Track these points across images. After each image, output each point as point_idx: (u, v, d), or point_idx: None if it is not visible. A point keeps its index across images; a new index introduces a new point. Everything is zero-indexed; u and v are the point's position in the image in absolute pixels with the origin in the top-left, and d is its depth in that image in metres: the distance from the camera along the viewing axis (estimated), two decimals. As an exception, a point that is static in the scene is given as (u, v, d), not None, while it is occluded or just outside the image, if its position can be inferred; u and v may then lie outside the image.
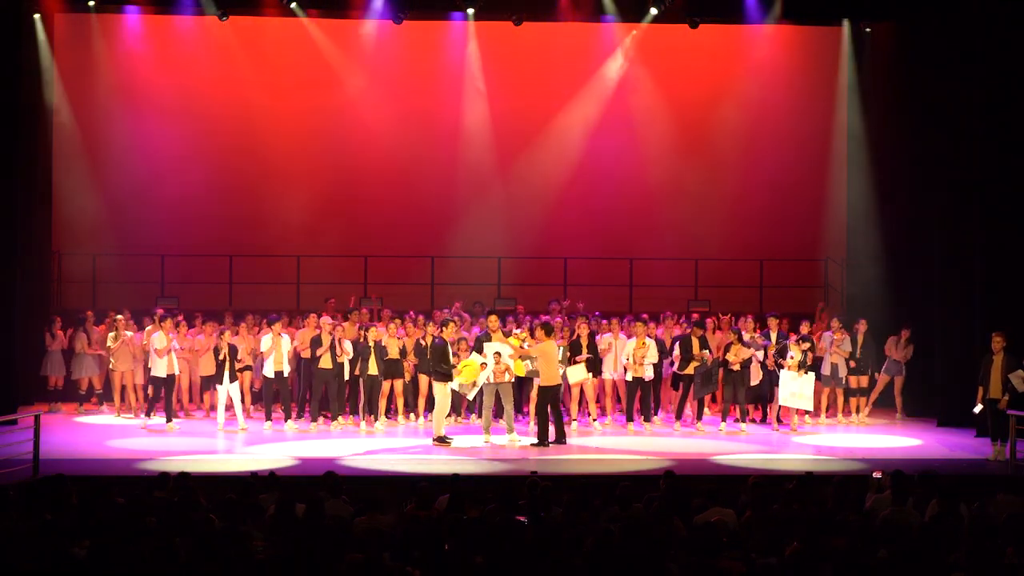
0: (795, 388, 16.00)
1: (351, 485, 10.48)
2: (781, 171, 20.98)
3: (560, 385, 15.30)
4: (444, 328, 15.51)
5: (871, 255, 19.64)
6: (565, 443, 14.92)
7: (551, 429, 14.94)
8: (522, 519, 8.65)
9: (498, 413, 15.49)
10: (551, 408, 14.97)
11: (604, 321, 17.11)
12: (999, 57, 16.30)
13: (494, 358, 15.07)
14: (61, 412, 17.46)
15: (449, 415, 16.31)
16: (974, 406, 14.85)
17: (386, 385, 16.27)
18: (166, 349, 15.95)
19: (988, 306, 16.20)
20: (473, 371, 14.97)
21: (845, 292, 20.50)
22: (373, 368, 16.03)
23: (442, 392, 15.07)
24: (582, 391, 16.69)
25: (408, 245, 20.38)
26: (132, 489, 10.31)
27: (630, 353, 16.26)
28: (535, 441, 14.91)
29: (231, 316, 17.76)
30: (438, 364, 15.10)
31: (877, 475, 10.41)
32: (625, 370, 16.37)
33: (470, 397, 15.55)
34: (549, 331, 15.14)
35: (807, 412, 16.70)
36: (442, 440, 14.84)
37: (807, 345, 16.14)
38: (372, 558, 7.36)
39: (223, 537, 7.82)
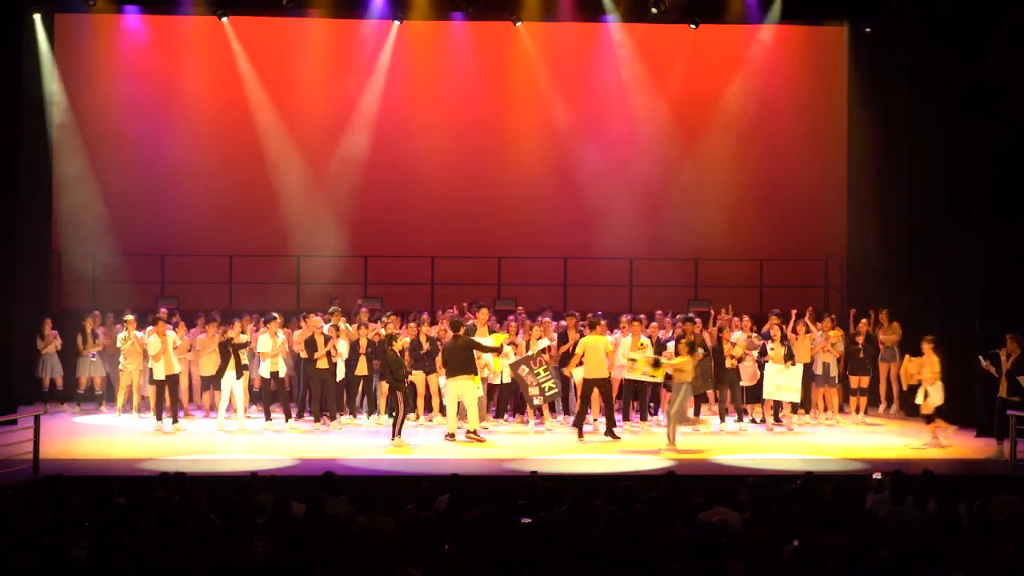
0: (780, 381, 16.06)
1: (351, 485, 10.47)
2: (781, 171, 20.99)
3: (606, 379, 15.56)
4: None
5: (871, 255, 19.66)
6: (617, 438, 15.26)
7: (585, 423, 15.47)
8: (528, 520, 8.64)
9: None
10: (604, 402, 15.59)
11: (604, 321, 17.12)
12: (999, 56, 16.30)
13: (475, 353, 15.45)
14: (61, 412, 17.47)
15: (428, 412, 16.42)
16: (977, 398, 15.26)
17: (383, 385, 16.27)
18: (161, 351, 15.94)
19: (988, 306, 16.20)
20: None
21: (845, 292, 20.50)
22: (363, 368, 16.37)
23: (469, 389, 15.19)
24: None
25: (408, 245, 20.39)
26: (132, 489, 10.30)
27: (626, 352, 16.29)
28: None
29: (219, 316, 17.76)
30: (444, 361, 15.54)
31: (877, 476, 10.40)
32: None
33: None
34: (594, 326, 15.59)
35: (800, 409, 16.75)
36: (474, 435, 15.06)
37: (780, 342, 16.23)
38: (372, 558, 7.36)
39: (223, 537, 7.83)
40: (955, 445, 15.13)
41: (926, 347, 15.20)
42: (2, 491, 9.58)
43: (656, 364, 15.24)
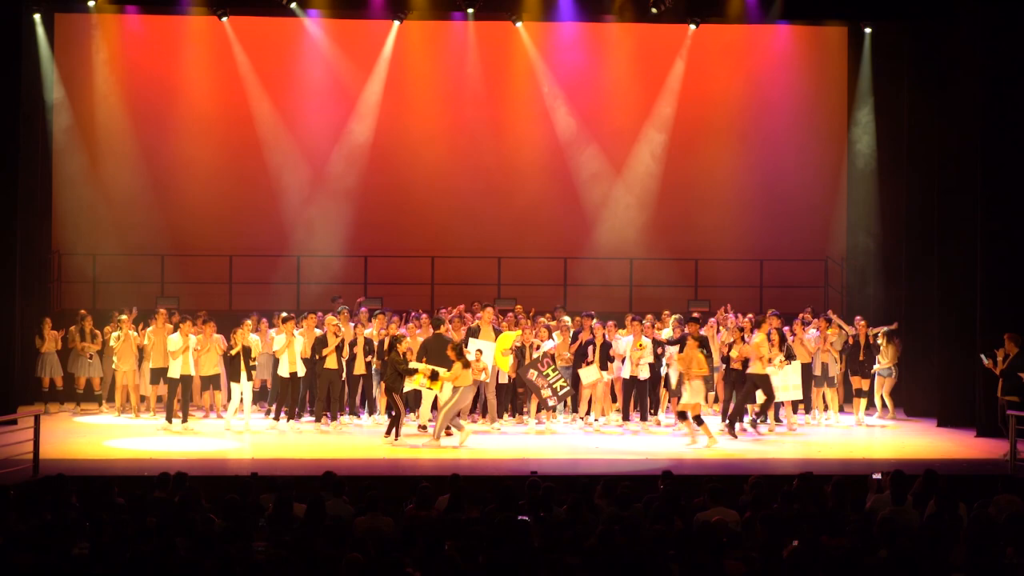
0: (777, 382, 15.99)
1: (351, 485, 10.48)
2: (781, 171, 20.98)
3: (765, 375, 15.58)
4: (437, 328, 15.84)
5: (871, 255, 19.66)
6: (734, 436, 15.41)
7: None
8: (526, 519, 8.65)
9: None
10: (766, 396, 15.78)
11: (608, 324, 17.06)
12: (999, 57, 16.29)
13: (475, 354, 15.28)
14: (61, 412, 17.46)
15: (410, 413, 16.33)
16: (977, 398, 15.25)
17: (383, 385, 16.24)
18: (182, 349, 15.95)
19: (988, 306, 16.20)
20: (419, 379, 15.19)
21: (845, 292, 20.50)
22: (360, 367, 16.26)
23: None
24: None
25: (408, 245, 20.38)
26: (132, 489, 10.31)
27: (625, 353, 16.27)
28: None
29: (204, 314, 17.70)
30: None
31: (877, 476, 10.40)
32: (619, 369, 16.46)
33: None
34: (759, 324, 15.87)
35: (802, 408, 16.73)
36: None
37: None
38: (372, 558, 7.36)
39: (223, 537, 7.83)
40: (716, 444, 14.86)
41: (690, 344, 15.04)
42: (2, 491, 9.57)
43: (434, 376, 15.11)
